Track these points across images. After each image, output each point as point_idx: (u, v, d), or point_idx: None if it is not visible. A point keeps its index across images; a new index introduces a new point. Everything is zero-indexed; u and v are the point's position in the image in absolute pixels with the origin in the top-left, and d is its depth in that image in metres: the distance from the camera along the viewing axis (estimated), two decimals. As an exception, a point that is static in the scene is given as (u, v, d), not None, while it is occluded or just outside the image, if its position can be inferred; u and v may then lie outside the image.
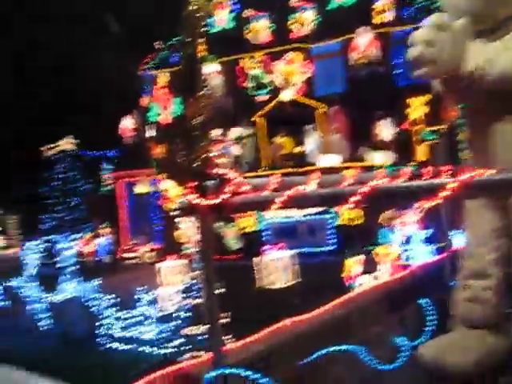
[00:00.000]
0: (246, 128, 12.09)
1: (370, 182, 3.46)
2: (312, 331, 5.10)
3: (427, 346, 4.91)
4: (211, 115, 4.67)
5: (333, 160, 10.67)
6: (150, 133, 12.97)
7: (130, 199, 13.48)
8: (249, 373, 3.88)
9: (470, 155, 5.05)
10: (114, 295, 6.26)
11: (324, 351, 4.72)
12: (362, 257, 7.10)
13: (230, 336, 4.63)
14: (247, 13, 11.89)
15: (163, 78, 12.87)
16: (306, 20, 11.38)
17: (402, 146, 10.37)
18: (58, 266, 7.29)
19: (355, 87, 10.73)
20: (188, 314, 5.52)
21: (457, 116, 6.93)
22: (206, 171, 4.14)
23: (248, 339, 4.74)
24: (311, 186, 3.83)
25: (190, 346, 5.06)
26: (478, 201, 4.85)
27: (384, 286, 6.64)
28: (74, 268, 7.21)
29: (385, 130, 10.65)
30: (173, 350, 5.27)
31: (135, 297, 6.02)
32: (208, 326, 4.11)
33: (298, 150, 11.59)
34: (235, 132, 12.09)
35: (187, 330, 5.33)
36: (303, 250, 8.91)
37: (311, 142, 11.45)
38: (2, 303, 7.99)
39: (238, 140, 12.03)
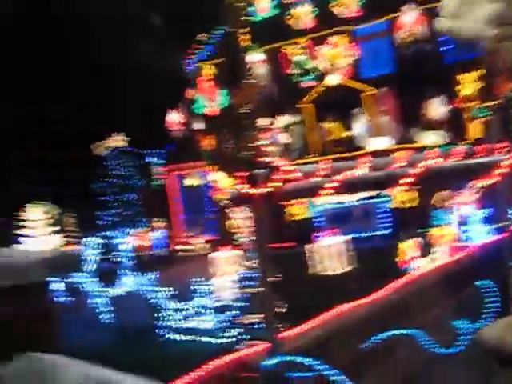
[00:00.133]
0: (293, 115, 12.05)
1: (422, 163, 3.39)
2: (370, 316, 5.06)
3: (487, 328, 4.80)
4: (258, 104, 4.67)
5: (383, 143, 10.50)
6: (198, 125, 13.08)
7: (181, 192, 13.69)
8: (306, 359, 3.88)
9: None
10: (171, 287, 6.36)
11: (383, 336, 4.67)
12: (417, 240, 6.98)
13: (286, 323, 4.64)
14: (288, -1, 11.83)
15: (208, 69, 12.95)
16: (348, 2, 11.23)
17: (454, 125, 10.11)
18: (116, 260, 7.47)
19: (403, 67, 10.54)
20: (244, 304, 5.55)
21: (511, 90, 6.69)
22: (256, 160, 4.14)
23: (305, 326, 4.74)
24: (362, 169, 3.78)
25: (247, 335, 5.09)
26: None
27: (441, 269, 6.53)
28: (131, 262, 7.39)
29: (435, 109, 10.41)
30: (230, 339, 5.32)
31: (192, 288, 6.10)
32: (264, 314, 4.12)
33: (346, 134, 11.48)
34: (282, 120, 12.05)
35: (244, 319, 5.36)
36: (356, 235, 8.84)
37: (359, 126, 11.31)
38: (65, 298, 8.23)
39: (286, 128, 12.00)
